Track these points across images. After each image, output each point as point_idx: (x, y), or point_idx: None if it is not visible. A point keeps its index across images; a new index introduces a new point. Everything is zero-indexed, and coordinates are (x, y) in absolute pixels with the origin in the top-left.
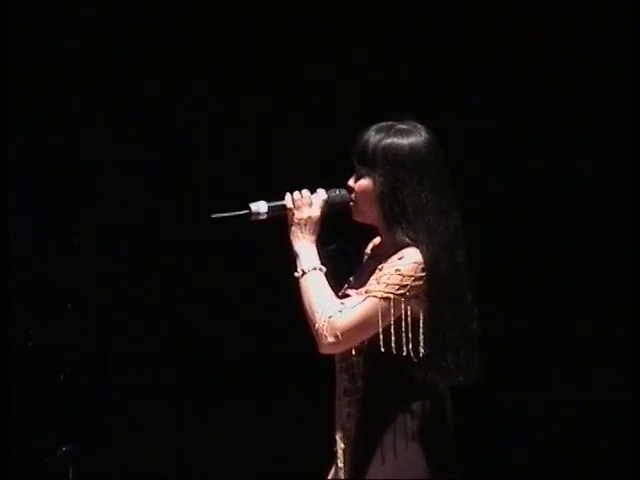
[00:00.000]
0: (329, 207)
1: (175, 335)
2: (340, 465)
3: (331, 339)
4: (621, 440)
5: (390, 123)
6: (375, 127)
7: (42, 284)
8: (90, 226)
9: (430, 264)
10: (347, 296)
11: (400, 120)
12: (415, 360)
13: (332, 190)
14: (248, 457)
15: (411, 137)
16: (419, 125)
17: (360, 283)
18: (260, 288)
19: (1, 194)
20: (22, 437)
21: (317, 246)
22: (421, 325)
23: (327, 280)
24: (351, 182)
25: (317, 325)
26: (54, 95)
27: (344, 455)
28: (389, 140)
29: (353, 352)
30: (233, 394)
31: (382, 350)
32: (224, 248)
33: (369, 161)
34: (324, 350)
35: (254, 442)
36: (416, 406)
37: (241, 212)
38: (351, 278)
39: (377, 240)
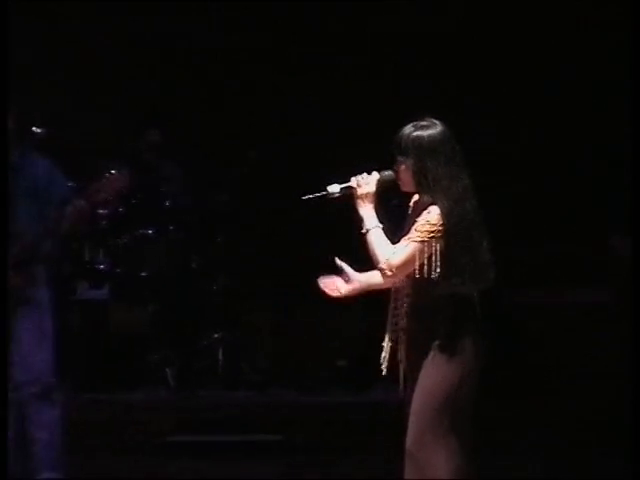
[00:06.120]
0: (381, 184)
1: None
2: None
3: (389, 273)
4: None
5: (415, 123)
6: (406, 126)
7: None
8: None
9: (446, 214)
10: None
11: (422, 118)
12: (440, 279)
13: (383, 172)
14: None
15: (429, 130)
16: (435, 120)
17: (407, 228)
18: None
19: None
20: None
21: (376, 210)
22: (445, 256)
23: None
24: (396, 166)
25: (380, 265)
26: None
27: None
28: (414, 134)
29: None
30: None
31: (420, 275)
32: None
33: (403, 150)
34: (386, 280)
35: None
36: (448, 307)
37: (321, 193)
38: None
39: (416, 197)
